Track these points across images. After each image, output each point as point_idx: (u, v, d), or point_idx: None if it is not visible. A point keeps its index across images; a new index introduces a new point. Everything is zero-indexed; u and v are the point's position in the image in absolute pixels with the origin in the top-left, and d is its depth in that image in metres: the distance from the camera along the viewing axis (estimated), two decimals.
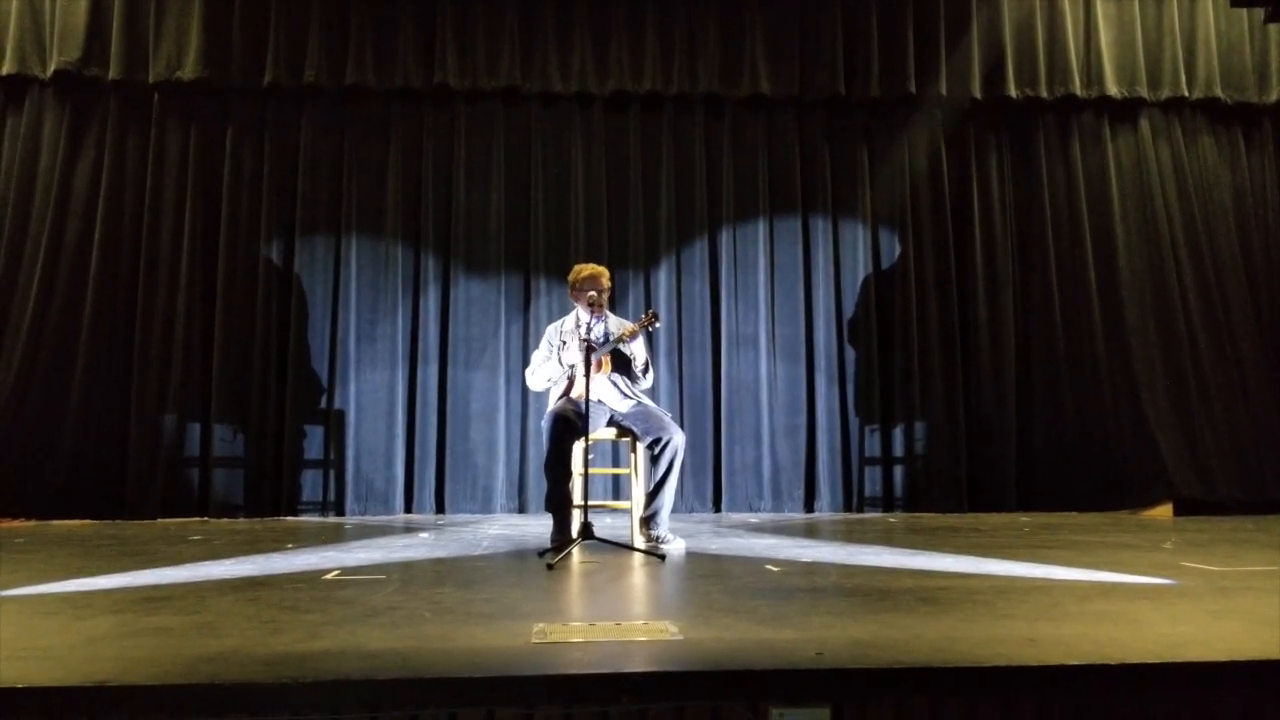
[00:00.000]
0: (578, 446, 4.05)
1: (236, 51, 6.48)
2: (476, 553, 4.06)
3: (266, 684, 1.74)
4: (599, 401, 4.20)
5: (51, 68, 6.31)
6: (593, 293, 4.17)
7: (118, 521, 5.92)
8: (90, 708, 1.70)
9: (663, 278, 6.83)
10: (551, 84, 6.72)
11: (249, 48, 6.50)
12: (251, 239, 6.55)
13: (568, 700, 1.77)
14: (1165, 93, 7.05)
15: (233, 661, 1.91)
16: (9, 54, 6.30)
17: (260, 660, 1.93)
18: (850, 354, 6.91)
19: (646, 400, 4.33)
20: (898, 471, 6.80)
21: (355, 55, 6.55)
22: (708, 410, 6.74)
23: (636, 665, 1.91)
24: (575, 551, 3.78)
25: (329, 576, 3.29)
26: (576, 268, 4.40)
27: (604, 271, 4.35)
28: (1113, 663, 1.82)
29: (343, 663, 1.92)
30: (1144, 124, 7.11)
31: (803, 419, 6.76)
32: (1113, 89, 6.97)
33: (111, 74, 6.36)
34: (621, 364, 4.26)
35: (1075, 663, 1.83)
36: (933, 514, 6.46)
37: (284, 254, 6.60)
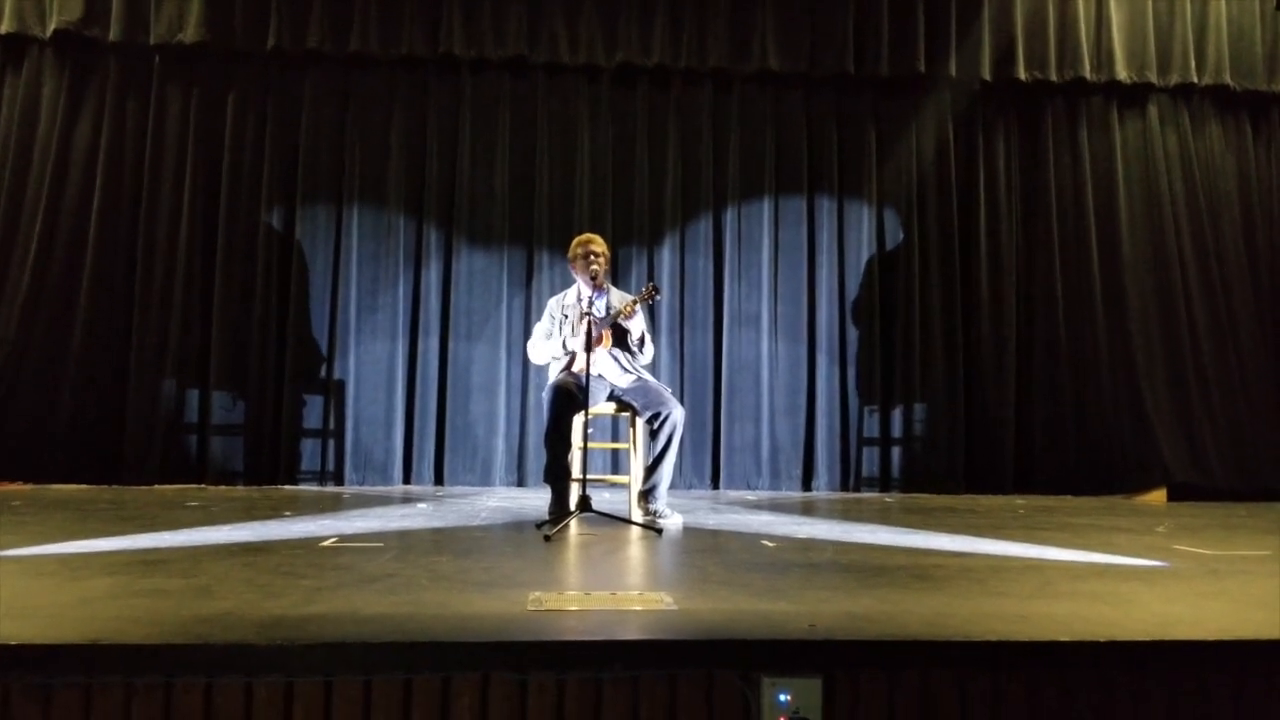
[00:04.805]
0: (578, 420, 4.06)
1: (239, 15, 6.41)
2: (474, 523, 4.08)
3: (261, 646, 1.75)
4: (599, 376, 4.19)
5: (51, 27, 6.23)
6: (594, 266, 4.16)
7: (115, 486, 5.93)
8: (85, 666, 1.71)
9: (666, 254, 6.80)
10: (559, 55, 6.64)
11: (252, 12, 6.42)
12: (252, 206, 6.50)
13: (561, 666, 1.77)
14: (1174, 78, 6.99)
15: (228, 624, 1.92)
16: (7, 12, 6.21)
17: (255, 623, 1.93)
18: (852, 334, 6.90)
19: (647, 375, 4.32)
20: (896, 452, 6.81)
21: (360, 22, 6.48)
22: (708, 388, 6.73)
23: (630, 633, 1.92)
24: (573, 524, 3.80)
25: (326, 543, 3.31)
26: (574, 240, 4.39)
27: (596, 238, 4.33)
28: (1104, 640, 1.83)
29: (338, 627, 1.93)
30: (1152, 110, 7.06)
31: (803, 398, 6.76)
32: (1122, 74, 6.91)
33: (112, 35, 6.29)
34: (622, 339, 4.26)
35: (1067, 639, 1.84)
36: (929, 495, 6.47)
37: (285, 221, 6.57)
